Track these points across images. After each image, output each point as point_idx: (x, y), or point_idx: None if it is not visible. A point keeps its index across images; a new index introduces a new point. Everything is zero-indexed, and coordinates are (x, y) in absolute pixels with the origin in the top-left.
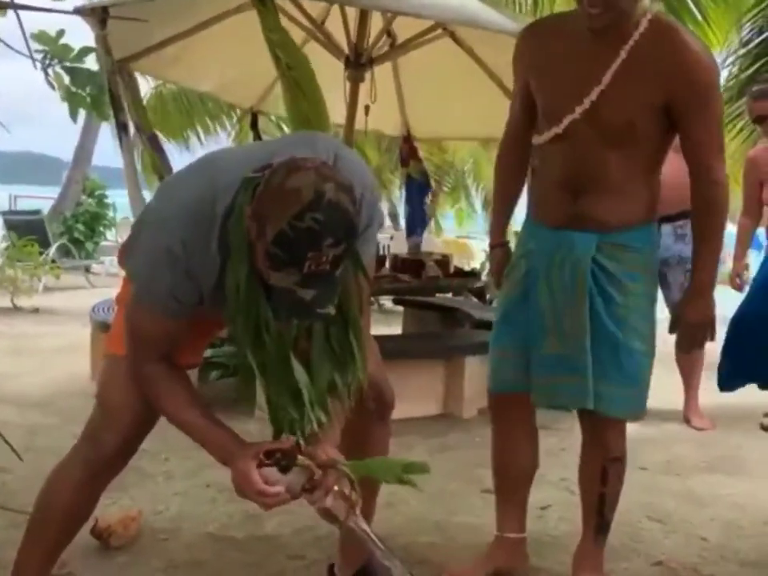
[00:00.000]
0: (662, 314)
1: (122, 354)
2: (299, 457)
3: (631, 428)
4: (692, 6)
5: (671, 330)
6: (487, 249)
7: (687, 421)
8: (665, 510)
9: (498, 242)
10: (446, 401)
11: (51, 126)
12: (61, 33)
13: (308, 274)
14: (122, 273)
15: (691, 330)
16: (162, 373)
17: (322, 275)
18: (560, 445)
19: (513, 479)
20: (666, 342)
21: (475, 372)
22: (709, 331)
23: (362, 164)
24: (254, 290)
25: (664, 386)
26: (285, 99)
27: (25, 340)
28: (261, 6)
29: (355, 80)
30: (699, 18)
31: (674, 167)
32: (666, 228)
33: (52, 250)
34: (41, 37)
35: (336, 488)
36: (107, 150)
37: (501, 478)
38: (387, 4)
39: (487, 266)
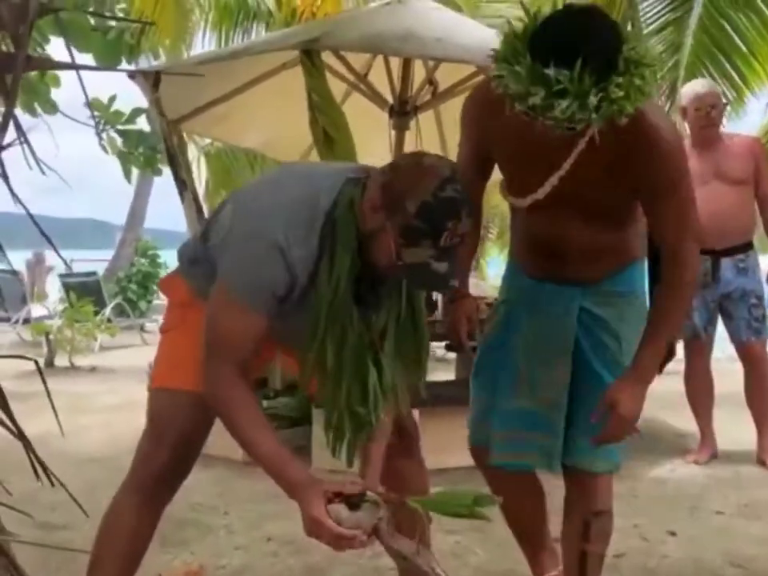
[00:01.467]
0: (723, 353)
1: (168, 387)
2: (367, 492)
3: (703, 471)
4: (736, 38)
5: (596, 417)
6: None
7: (762, 463)
8: (746, 555)
9: (462, 293)
10: None
11: (106, 192)
12: (112, 98)
13: (444, 247)
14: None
15: (623, 421)
16: (239, 381)
17: (454, 248)
18: (631, 491)
19: (524, 526)
20: (737, 381)
21: None
22: (630, 430)
23: None
24: (348, 286)
25: (736, 426)
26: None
27: (83, 398)
28: (309, 63)
29: (400, 128)
30: (744, 50)
31: (731, 200)
32: (727, 262)
33: (108, 309)
34: (95, 104)
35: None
36: (158, 213)
37: (513, 527)
38: (431, 52)
39: None
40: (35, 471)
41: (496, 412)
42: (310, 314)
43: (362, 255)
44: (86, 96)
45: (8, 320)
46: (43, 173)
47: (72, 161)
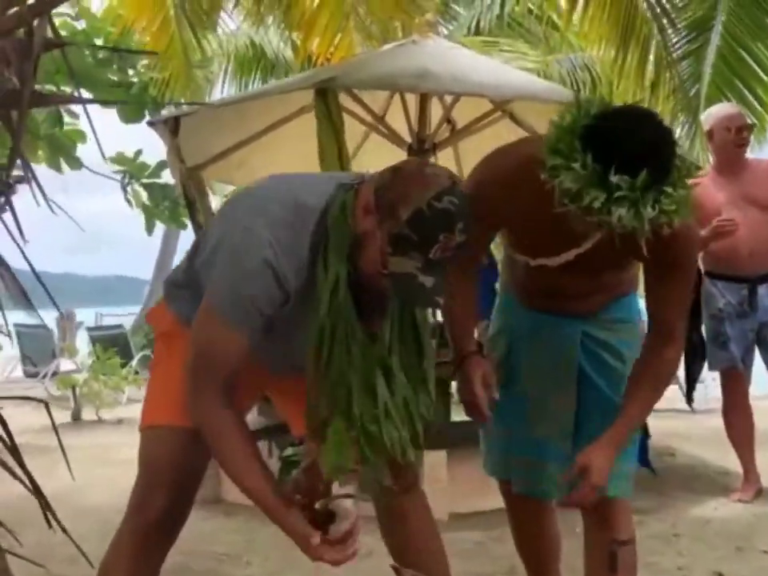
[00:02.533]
0: (759, 389)
1: (158, 424)
2: (327, 501)
3: (748, 509)
4: (755, 67)
5: (569, 478)
6: None
7: None
8: None
9: (469, 350)
10: None
11: (134, 248)
12: (138, 153)
13: (432, 261)
14: (152, 334)
15: (590, 488)
16: (224, 406)
17: (443, 263)
18: (672, 530)
19: (536, 559)
20: None
21: None
22: (593, 496)
23: None
24: (347, 293)
25: None
26: None
27: (108, 450)
28: (323, 105)
29: None
30: (764, 78)
31: (765, 225)
32: (764, 290)
33: (134, 361)
34: (119, 158)
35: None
36: None
37: (528, 561)
38: (448, 87)
39: None
40: (48, 522)
41: (514, 440)
42: (306, 330)
43: (353, 261)
44: (95, 132)
45: (36, 375)
46: (54, 211)
47: (99, 218)
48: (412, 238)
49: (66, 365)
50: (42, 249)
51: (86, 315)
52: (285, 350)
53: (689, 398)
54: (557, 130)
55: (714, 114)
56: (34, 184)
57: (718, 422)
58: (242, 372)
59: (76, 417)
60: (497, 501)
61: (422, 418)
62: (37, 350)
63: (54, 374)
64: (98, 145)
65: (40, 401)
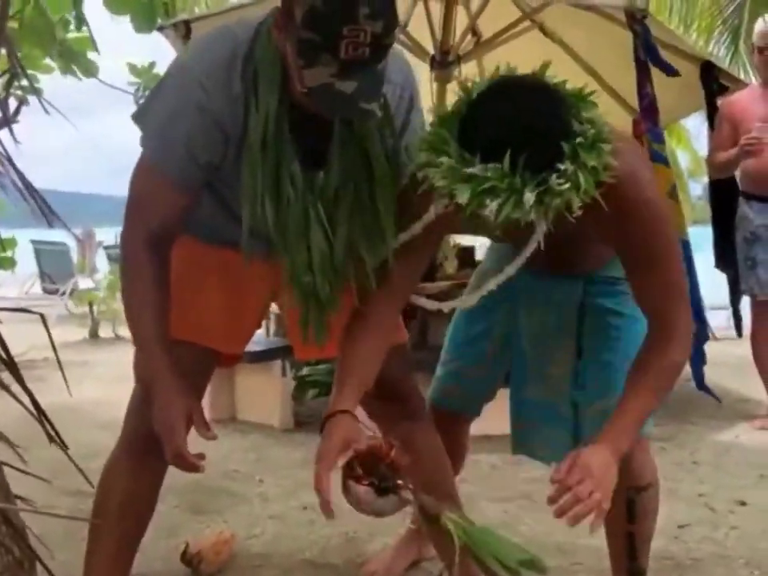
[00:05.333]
0: None
1: None
2: (402, 487)
3: None
4: None
5: (557, 475)
6: None
7: None
8: None
9: (339, 408)
10: None
11: None
12: (152, 65)
13: (346, 61)
14: None
15: (584, 488)
16: (145, 254)
17: (361, 62)
18: (691, 457)
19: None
20: None
21: None
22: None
23: (407, 64)
24: (281, 130)
25: None
26: None
27: (124, 368)
28: None
29: (442, 81)
30: None
31: None
32: None
33: None
34: (133, 69)
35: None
36: None
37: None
38: None
39: None
40: (49, 438)
41: (511, 400)
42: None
43: (288, 91)
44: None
45: (55, 292)
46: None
47: (127, 141)
48: (313, 39)
49: (84, 282)
50: (72, 171)
51: (106, 235)
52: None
53: (738, 329)
54: (437, 120)
55: (754, 30)
56: (33, 93)
57: (740, 349)
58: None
59: (93, 334)
60: (500, 426)
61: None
62: (55, 267)
63: (73, 291)
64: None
65: (33, 313)
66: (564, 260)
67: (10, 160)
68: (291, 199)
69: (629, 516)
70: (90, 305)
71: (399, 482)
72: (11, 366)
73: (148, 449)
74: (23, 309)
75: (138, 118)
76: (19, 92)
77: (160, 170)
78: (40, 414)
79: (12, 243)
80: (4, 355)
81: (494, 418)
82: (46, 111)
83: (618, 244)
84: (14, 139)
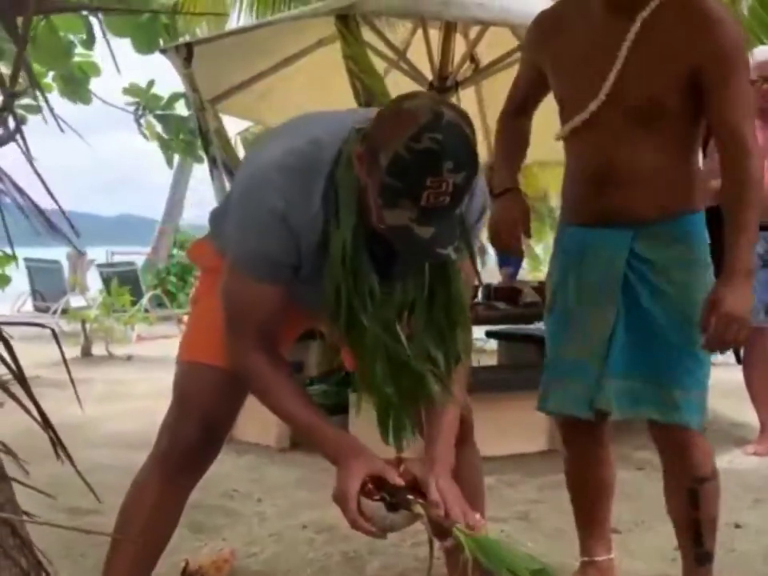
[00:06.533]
0: None
1: (195, 361)
2: (413, 502)
3: (764, 462)
4: None
5: (703, 322)
6: None
7: None
8: None
9: (508, 186)
10: (552, 435)
11: (149, 189)
12: (151, 83)
13: (426, 208)
14: (197, 270)
15: (730, 318)
16: (265, 357)
17: (440, 209)
18: None
19: (590, 497)
20: None
21: None
22: (742, 330)
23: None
24: (359, 248)
25: None
26: None
27: (119, 386)
28: (346, 30)
29: None
30: None
31: None
32: None
33: (144, 300)
34: (132, 89)
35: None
36: (195, 209)
37: (577, 497)
38: (473, 14)
39: None
40: (56, 453)
41: (548, 362)
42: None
43: (364, 215)
44: (107, 38)
45: (47, 310)
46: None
47: (120, 161)
48: (396, 186)
49: (76, 301)
50: (64, 189)
51: (97, 254)
52: (313, 298)
53: (737, 356)
54: None
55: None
56: (40, 110)
57: (733, 375)
58: (281, 311)
59: (86, 352)
60: (511, 446)
61: (450, 366)
62: (47, 286)
63: (65, 310)
64: (114, 59)
65: (46, 327)
66: (617, 202)
67: (11, 178)
68: (371, 311)
69: (693, 505)
70: (83, 323)
71: (410, 496)
72: (22, 381)
73: (181, 467)
74: (37, 323)
75: (210, 234)
76: (20, 110)
77: (251, 277)
78: (48, 429)
79: (4, 261)
80: (15, 369)
81: (490, 439)
82: (61, 129)
83: (696, 56)
84: (26, 155)
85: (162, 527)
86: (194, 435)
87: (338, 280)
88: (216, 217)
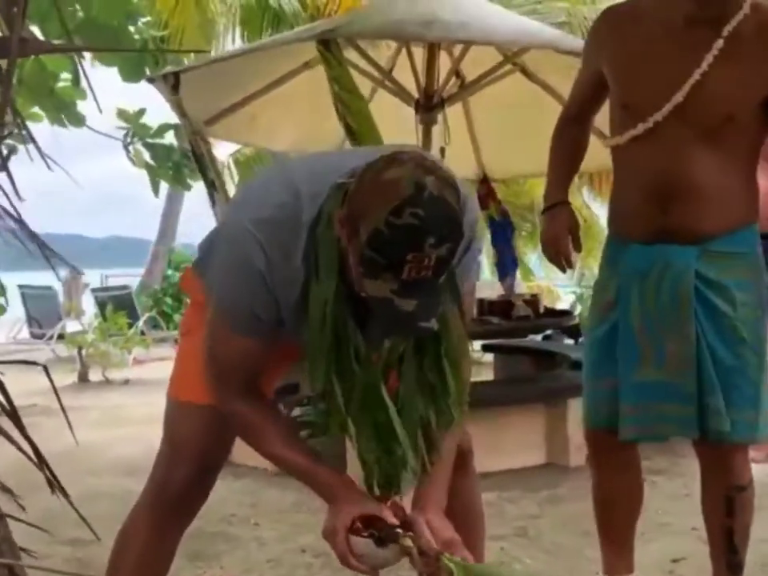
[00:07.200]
0: None
1: (185, 399)
2: (401, 536)
3: (762, 470)
4: None
5: None
6: (576, 291)
7: None
8: None
9: (558, 200)
10: (550, 449)
11: (140, 210)
12: (141, 111)
13: (408, 281)
14: (187, 299)
15: None
16: (251, 406)
17: (423, 282)
18: (684, 490)
19: (619, 518)
20: None
21: (580, 416)
22: None
23: (458, 179)
24: (341, 310)
25: None
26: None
27: (116, 411)
28: (325, 51)
29: (427, 123)
30: None
31: None
32: None
33: (140, 322)
34: (122, 115)
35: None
36: (190, 231)
37: (605, 518)
38: (457, 35)
39: (578, 306)
40: (51, 486)
41: (621, 388)
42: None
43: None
44: (88, 80)
45: (43, 336)
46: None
47: (110, 183)
48: (377, 260)
49: (72, 326)
50: (52, 212)
51: (90, 277)
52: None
53: None
54: None
55: None
56: (29, 140)
57: None
58: (267, 355)
59: (83, 378)
60: (510, 462)
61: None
62: (43, 312)
63: (61, 335)
64: (94, 97)
65: (37, 364)
66: (681, 220)
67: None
68: (357, 376)
69: (728, 512)
70: (79, 348)
71: (398, 531)
72: (13, 415)
73: (175, 505)
74: (27, 361)
75: (197, 269)
76: (10, 141)
77: (232, 329)
78: (41, 463)
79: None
80: (6, 404)
81: (489, 454)
82: (47, 164)
83: None
84: (14, 188)
85: (157, 563)
86: (186, 481)
87: (318, 339)
88: (203, 250)
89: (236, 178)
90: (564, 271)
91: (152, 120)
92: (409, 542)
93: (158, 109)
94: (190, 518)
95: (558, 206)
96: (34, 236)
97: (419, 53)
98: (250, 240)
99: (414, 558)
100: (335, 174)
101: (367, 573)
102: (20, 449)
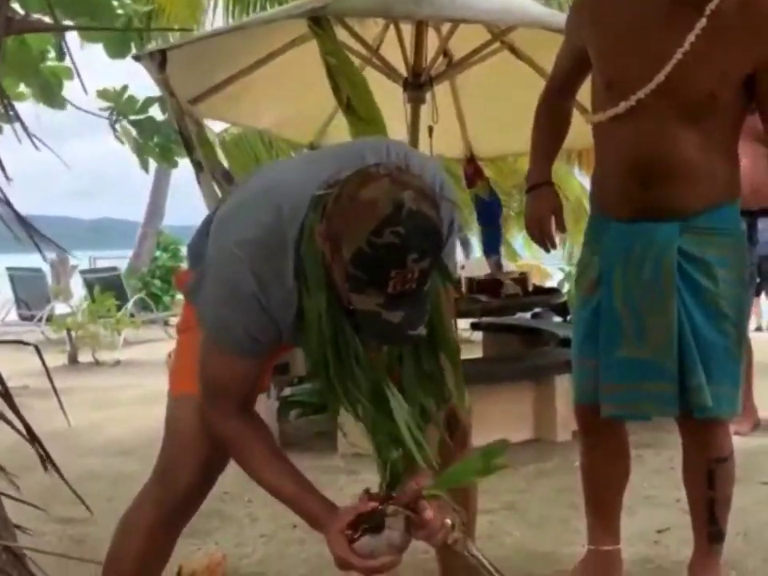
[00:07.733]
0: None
1: (189, 393)
2: (384, 510)
3: (745, 442)
4: None
5: None
6: (565, 267)
7: None
8: None
9: (541, 181)
10: (538, 425)
11: (129, 192)
12: (125, 88)
13: (393, 295)
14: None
15: None
16: (242, 429)
17: (409, 294)
18: (669, 464)
19: (606, 490)
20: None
21: (566, 392)
22: None
23: (433, 162)
24: (336, 319)
25: None
26: (348, 123)
27: (107, 393)
28: (317, 28)
29: (415, 101)
30: None
31: (765, 158)
32: (765, 222)
33: (129, 304)
34: (105, 94)
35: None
36: (178, 210)
37: (592, 491)
38: (447, 13)
39: (566, 284)
40: (44, 465)
41: (601, 365)
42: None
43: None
44: (73, 61)
45: (32, 318)
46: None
47: (98, 165)
48: (361, 277)
49: (60, 308)
50: (39, 193)
51: (79, 259)
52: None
53: None
54: None
55: None
56: (15, 121)
57: None
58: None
59: (73, 359)
60: (497, 437)
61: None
62: (31, 294)
63: (50, 317)
64: (80, 78)
65: (29, 344)
66: (663, 197)
67: None
68: (360, 378)
69: (709, 484)
70: (69, 331)
71: (379, 508)
72: (6, 396)
73: (181, 506)
74: (18, 341)
75: (190, 296)
76: None
77: (228, 351)
78: (34, 442)
79: None
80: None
81: (478, 431)
82: (34, 145)
83: (760, 57)
84: (2, 169)
85: (155, 562)
86: (190, 481)
87: (318, 350)
88: (191, 252)
89: (224, 161)
90: (548, 251)
91: (137, 94)
92: (392, 508)
93: (143, 84)
94: (193, 511)
95: (541, 186)
96: (20, 218)
97: (407, 30)
98: (237, 263)
99: (409, 517)
100: (313, 185)
101: (396, 562)
102: (14, 427)
